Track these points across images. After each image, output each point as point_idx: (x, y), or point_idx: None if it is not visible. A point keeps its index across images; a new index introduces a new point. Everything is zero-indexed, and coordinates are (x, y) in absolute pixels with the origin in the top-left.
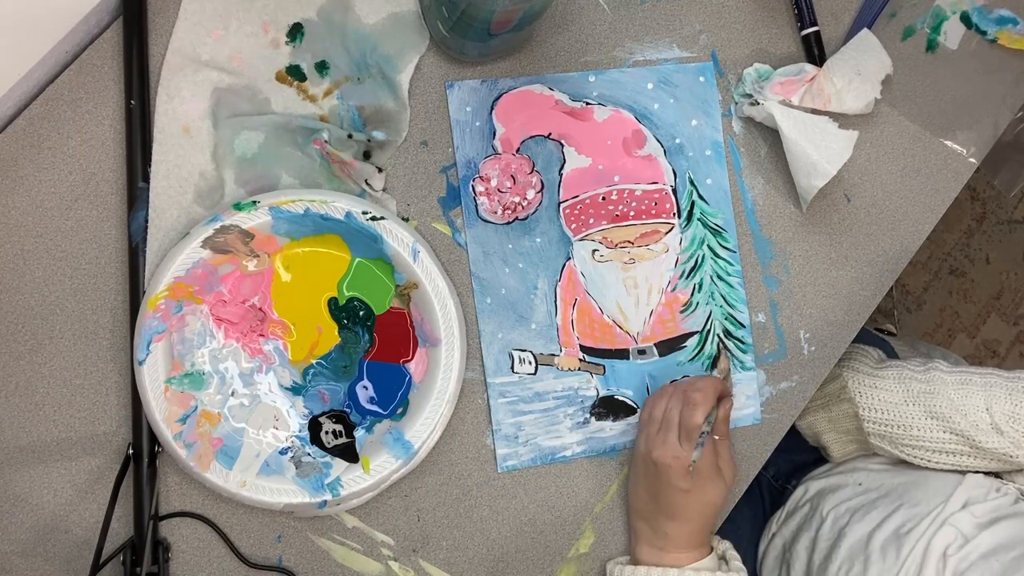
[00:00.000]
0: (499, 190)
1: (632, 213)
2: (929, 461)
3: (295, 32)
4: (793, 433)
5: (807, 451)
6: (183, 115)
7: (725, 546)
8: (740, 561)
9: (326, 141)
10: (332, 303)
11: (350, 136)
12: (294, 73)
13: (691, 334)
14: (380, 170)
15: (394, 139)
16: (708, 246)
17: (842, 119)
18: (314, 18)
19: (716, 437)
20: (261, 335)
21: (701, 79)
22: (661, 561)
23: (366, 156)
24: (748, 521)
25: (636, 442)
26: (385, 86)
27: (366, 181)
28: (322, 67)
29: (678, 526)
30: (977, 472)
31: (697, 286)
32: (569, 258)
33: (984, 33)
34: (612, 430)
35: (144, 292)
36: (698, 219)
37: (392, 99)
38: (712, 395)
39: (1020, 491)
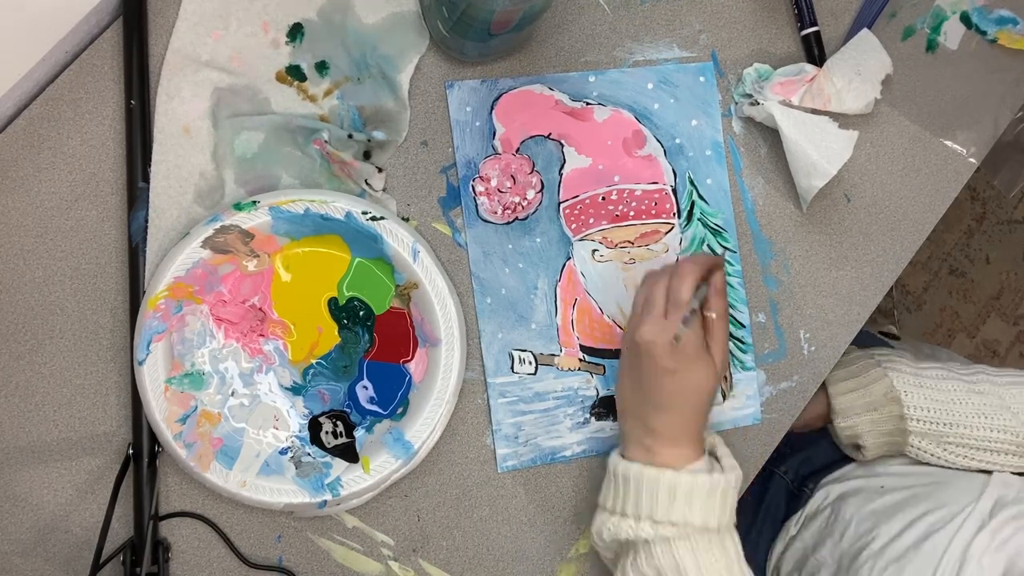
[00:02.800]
0: (499, 190)
1: (632, 213)
2: (972, 459)
3: (295, 32)
4: (807, 434)
5: (823, 452)
6: (183, 115)
7: (715, 440)
8: (732, 457)
9: (326, 141)
10: (332, 303)
11: (350, 136)
12: (294, 73)
13: None
14: (380, 170)
15: (394, 139)
16: (708, 246)
17: (842, 119)
18: (314, 18)
19: (713, 315)
20: (261, 335)
21: (701, 79)
22: (652, 461)
23: (366, 156)
24: (762, 519)
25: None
26: (385, 86)
27: (366, 181)
28: (322, 67)
29: (666, 417)
30: (1012, 471)
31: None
32: (569, 258)
33: (984, 33)
34: (612, 430)
35: (144, 292)
36: (698, 219)
37: (392, 99)
38: (702, 266)
39: None
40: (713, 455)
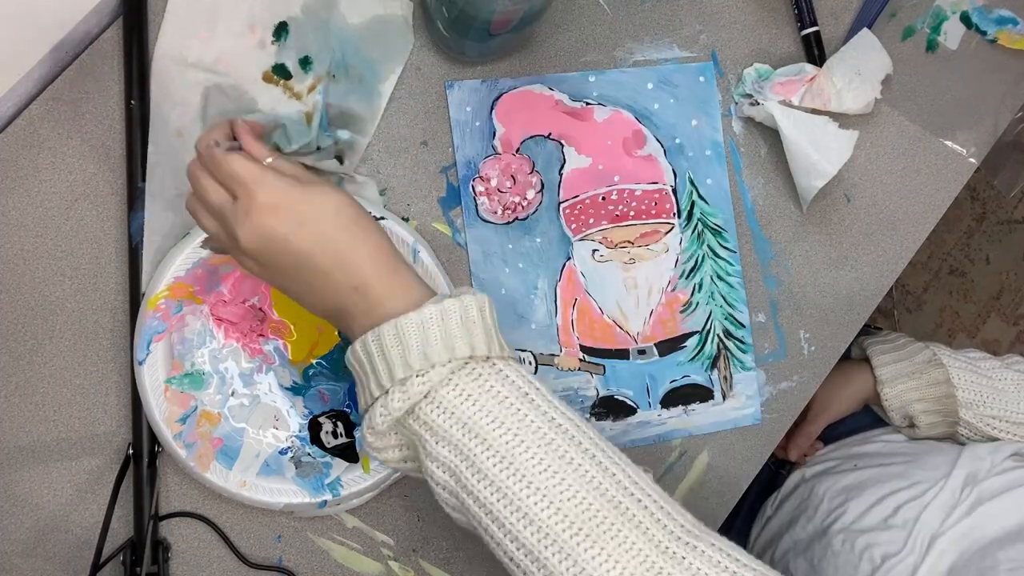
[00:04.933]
0: (499, 190)
1: (632, 213)
2: (1015, 435)
3: (280, 31)
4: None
5: None
6: (175, 118)
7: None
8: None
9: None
10: None
11: (319, 148)
12: (280, 72)
13: (691, 334)
14: (341, 162)
15: (361, 138)
16: (708, 246)
17: (842, 119)
18: (298, 14)
19: (267, 160)
20: (261, 335)
21: (701, 79)
22: (371, 322)
23: (339, 160)
24: (741, 504)
25: (217, 248)
26: (360, 90)
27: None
28: (305, 62)
29: (339, 278)
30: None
31: (697, 286)
32: (569, 258)
33: (984, 33)
34: (612, 430)
35: (144, 292)
36: (698, 219)
37: (363, 104)
38: (211, 134)
39: None
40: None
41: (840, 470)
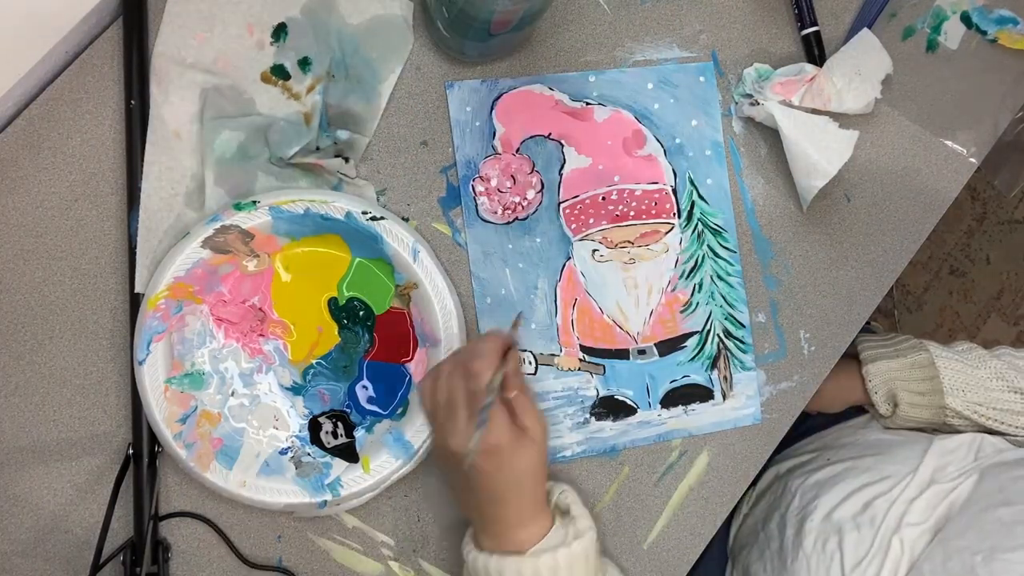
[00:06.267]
0: (499, 190)
1: (632, 213)
2: (1002, 424)
3: (279, 32)
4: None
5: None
6: (173, 119)
7: (567, 501)
8: (588, 518)
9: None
10: (332, 303)
11: (318, 148)
12: (278, 72)
13: (691, 334)
14: (347, 160)
15: (362, 136)
16: (708, 246)
17: (842, 119)
18: (297, 16)
19: (512, 394)
20: (261, 335)
21: (701, 79)
22: (500, 547)
23: (344, 159)
24: None
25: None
26: (359, 91)
27: (339, 172)
28: (304, 63)
29: (503, 508)
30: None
31: (697, 286)
32: (569, 258)
33: (984, 33)
34: (612, 430)
35: (140, 292)
36: (698, 219)
37: (362, 105)
38: (494, 356)
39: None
40: (567, 514)
41: (813, 465)
